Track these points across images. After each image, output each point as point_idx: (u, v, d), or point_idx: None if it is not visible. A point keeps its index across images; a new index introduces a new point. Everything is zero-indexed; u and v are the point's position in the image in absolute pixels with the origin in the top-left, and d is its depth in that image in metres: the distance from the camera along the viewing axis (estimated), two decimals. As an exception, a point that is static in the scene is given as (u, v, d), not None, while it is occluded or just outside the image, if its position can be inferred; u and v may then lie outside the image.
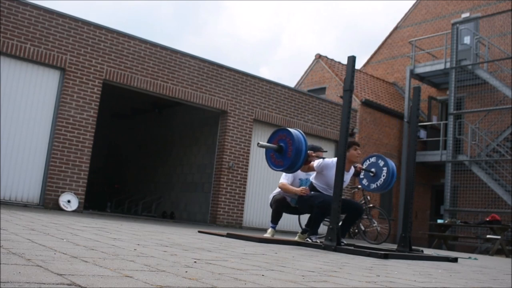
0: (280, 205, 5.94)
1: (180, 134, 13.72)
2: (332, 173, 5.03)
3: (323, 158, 5.50)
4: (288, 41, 69.25)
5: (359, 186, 9.83)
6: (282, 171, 4.89)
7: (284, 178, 5.85)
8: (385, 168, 5.77)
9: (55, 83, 8.81)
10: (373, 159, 5.96)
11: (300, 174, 5.89)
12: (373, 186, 5.87)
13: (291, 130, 4.65)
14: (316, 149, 5.72)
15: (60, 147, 8.67)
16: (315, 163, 5.33)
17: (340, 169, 4.65)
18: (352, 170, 5.63)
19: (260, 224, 11.46)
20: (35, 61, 8.54)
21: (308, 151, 4.91)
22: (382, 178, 5.77)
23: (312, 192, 5.39)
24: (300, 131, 4.70)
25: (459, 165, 15.53)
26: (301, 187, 5.62)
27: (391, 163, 5.83)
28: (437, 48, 18.29)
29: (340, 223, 4.90)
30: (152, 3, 65.58)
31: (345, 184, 5.10)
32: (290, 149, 4.54)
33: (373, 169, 5.86)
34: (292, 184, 5.83)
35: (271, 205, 6.05)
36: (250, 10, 73.26)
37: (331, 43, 63.06)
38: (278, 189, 5.98)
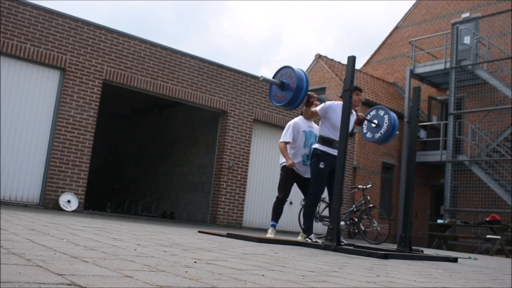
0: (281, 203, 5.93)
1: (180, 134, 13.72)
2: (336, 115, 5.09)
3: (324, 101, 5.57)
4: (288, 41, 69.25)
5: (359, 186, 9.85)
6: (283, 106, 4.93)
7: (287, 137, 5.83)
8: (386, 116, 5.80)
9: (55, 83, 8.81)
10: (373, 112, 5.98)
11: (303, 126, 5.89)
12: (377, 135, 5.88)
13: (294, 67, 4.77)
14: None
15: (60, 147, 8.67)
16: (318, 107, 5.35)
17: (341, 169, 4.65)
18: (355, 115, 5.62)
19: (260, 224, 11.46)
20: (35, 61, 8.53)
21: (310, 92, 4.96)
22: (385, 126, 5.80)
23: (321, 166, 5.27)
24: (303, 70, 4.78)
25: (459, 165, 15.53)
26: (290, 161, 5.68)
27: (392, 113, 5.88)
28: (437, 48, 18.29)
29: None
30: (154, 4, 65.58)
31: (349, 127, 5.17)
32: (292, 82, 4.69)
33: (375, 120, 5.88)
34: (296, 139, 5.81)
35: (281, 170, 6.04)
36: (252, 10, 73.26)
37: (331, 43, 63.06)
38: (287, 151, 5.97)
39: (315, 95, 5.20)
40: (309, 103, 5.13)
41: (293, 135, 5.86)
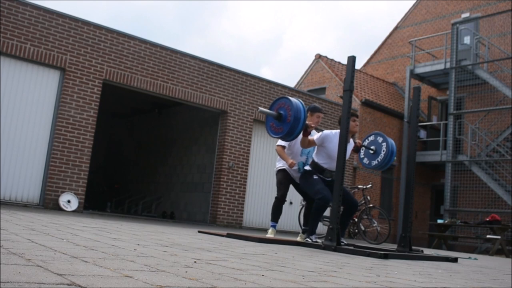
0: (280, 204, 5.92)
1: (180, 134, 13.72)
2: (333, 145, 5.05)
3: (322, 130, 5.52)
4: (289, 41, 69.26)
5: (359, 186, 9.85)
6: (281, 138, 4.91)
7: (281, 142, 5.80)
8: (384, 144, 5.79)
9: (55, 83, 8.81)
10: (371, 137, 5.98)
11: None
12: (374, 163, 5.88)
13: (291, 98, 4.72)
14: (316, 110, 5.65)
15: (60, 147, 8.67)
16: (315, 136, 5.33)
17: (341, 168, 4.65)
18: (352, 143, 5.61)
19: (260, 224, 11.46)
20: (35, 61, 8.53)
21: (307, 122, 4.92)
22: (382, 154, 5.79)
23: (315, 177, 5.32)
24: (300, 100, 4.75)
25: (459, 165, 15.53)
26: (291, 160, 5.62)
27: (390, 140, 5.87)
28: (437, 48, 18.29)
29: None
30: (155, 4, 65.60)
31: (346, 157, 5.13)
32: (289, 114, 4.64)
33: (372, 147, 5.88)
34: (293, 146, 5.78)
35: (276, 174, 6.02)
36: (252, 11, 73.27)
37: (331, 43, 63.07)
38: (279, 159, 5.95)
39: (312, 125, 5.19)
40: (307, 133, 5.10)
41: (292, 142, 5.81)
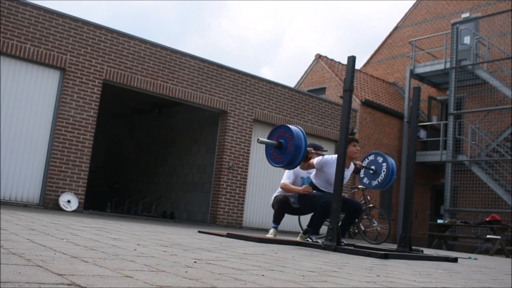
0: (283, 206, 5.93)
1: (180, 134, 13.72)
2: (332, 170, 5.05)
3: (323, 155, 5.52)
4: (289, 41, 69.26)
5: (359, 186, 9.84)
6: (282, 167, 4.90)
7: (286, 179, 5.85)
8: (384, 164, 5.80)
9: (55, 83, 8.81)
10: (371, 157, 5.98)
11: (301, 172, 5.90)
12: (374, 183, 5.89)
13: (291, 126, 4.69)
14: (317, 148, 5.72)
15: (60, 147, 8.67)
16: (315, 160, 5.34)
17: (341, 167, 4.65)
18: (352, 167, 5.63)
19: (260, 224, 11.46)
20: (35, 61, 8.53)
21: (308, 148, 4.92)
22: (383, 174, 5.79)
23: (314, 192, 5.39)
24: (300, 127, 4.72)
25: (459, 165, 15.53)
26: (303, 186, 5.62)
27: (390, 160, 5.86)
28: (437, 48, 18.29)
29: (339, 223, 4.90)
30: (155, 4, 65.61)
31: (345, 181, 5.11)
32: (290, 144, 4.58)
33: (372, 167, 5.88)
34: (294, 183, 5.82)
35: (273, 206, 6.04)
36: (253, 11, 73.29)
37: (331, 43, 63.08)
38: (280, 190, 5.98)
39: (313, 151, 5.18)
40: (307, 159, 5.11)
41: (292, 179, 5.86)
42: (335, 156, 5.19)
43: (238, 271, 2.15)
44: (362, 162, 6.01)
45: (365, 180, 6.02)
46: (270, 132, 4.86)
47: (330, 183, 5.07)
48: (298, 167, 5.82)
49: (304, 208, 5.68)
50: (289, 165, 4.73)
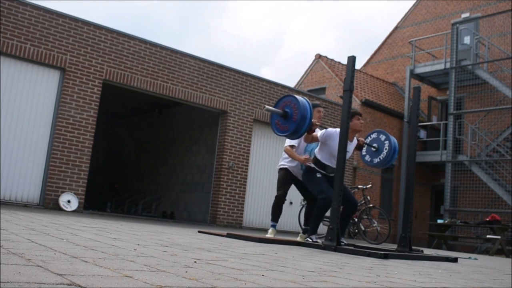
0: (280, 202, 5.91)
1: (180, 134, 13.72)
2: (335, 143, 5.03)
3: (326, 127, 5.53)
4: (289, 41, 69.27)
5: (359, 186, 9.84)
6: (286, 136, 4.91)
7: (294, 140, 5.80)
8: (386, 142, 5.78)
9: (55, 83, 8.81)
10: (374, 135, 5.97)
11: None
12: (376, 160, 5.87)
13: (297, 96, 4.72)
14: (315, 106, 5.66)
15: (60, 147, 8.67)
16: (319, 133, 5.33)
17: (341, 167, 4.65)
18: (355, 141, 5.59)
19: (260, 224, 11.46)
20: (35, 61, 8.53)
21: (312, 120, 4.92)
22: (385, 152, 5.78)
23: (319, 176, 5.30)
24: (306, 98, 4.74)
25: (459, 165, 15.53)
26: (304, 156, 5.58)
27: (393, 138, 5.85)
28: (437, 48, 18.29)
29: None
30: (155, 4, 65.62)
31: (348, 155, 5.14)
32: (295, 113, 4.62)
33: (375, 144, 5.87)
34: (298, 147, 5.79)
35: (279, 172, 6.01)
36: (253, 11, 73.30)
37: (331, 43, 63.09)
38: (284, 157, 5.93)
39: (317, 123, 5.18)
40: (311, 131, 5.11)
41: (298, 140, 5.81)
42: (338, 129, 5.20)
43: (238, 271, 2.15)
44: (364, 139, 6.00)
45: (367, 157, 5.99)
46: (276, 102, 4.89)
47: (334, 156, 5.04)
48: (302, 139, 5.82)
49: (306, 184, 5.62)
50: (294, 134, 4.76)
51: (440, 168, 16.89)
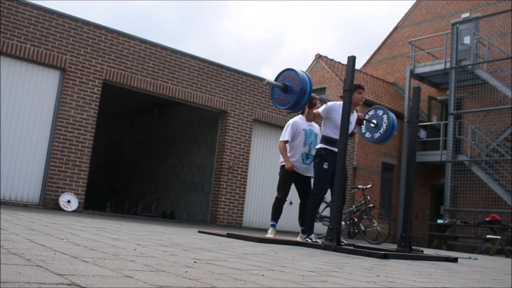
0: (281, 202, 5.92)
1: (180, 134, 13.72)
2: (338, 115, 5.04)
3: (326, 102, 5.59)
4: (289, 41, 69.26)
5: (359, 186, 9.84)
6: (287, 109, 4.93)
7: (287, 135, 5.86)
8: (385, 116, 5.82)
9: (55, 83, 8.81)
10: (372, 112, 6.00)
11: (303, 124, 5.91)
12: (377, 135, 5.91)
13: (297, 70, 4.77)
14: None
15: (60, 147, 8.67)
16: (320, 109, 5.36)
17: (341, 166, 4.65)
18: (355, 114, 5.62)
19: (260, 224, 11.46)
20: (35, 61, 8.53)
21: (312, 94, 4.95)
22: (384, 126, 5.82)
23: (325, 166, 5.28)
24: (307, 73, 4.79)
25: (459, 165, 15.53)
26: (290, 164, 5.73)
27: (391, 113, 5.90)
28: (437, 48, 18.29)
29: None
30: (155, 4, 65.60)
31: (351, 127, 5.23)
32: (295, 85, 4.69)
33: (374, 120, 5.90)
34: (296, 137, 5.84)
35: (280, 170, 6.06)
36: (253, 11, 73.29)
37: (331, 43, 63.08)
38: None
39: (317, 97, 5.20)
40: (312, 105, 5.12)
41: (292, 134, 5.88)
42: (339, 102, 5.23)
43: (238, 271, 2.15)
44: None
45: (367, 134, 6.02)
46: (276, 76, 4.94)
47: (339, 128, 5.09)
48: (299, 119, 5.85)
49: (301, 186, 5.77)
50: (294, 107, 4.81)
51: (440, 168, 16.89)
